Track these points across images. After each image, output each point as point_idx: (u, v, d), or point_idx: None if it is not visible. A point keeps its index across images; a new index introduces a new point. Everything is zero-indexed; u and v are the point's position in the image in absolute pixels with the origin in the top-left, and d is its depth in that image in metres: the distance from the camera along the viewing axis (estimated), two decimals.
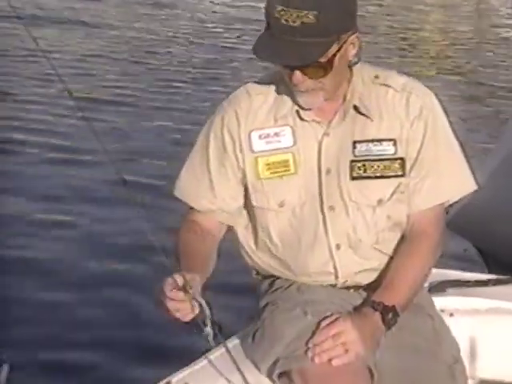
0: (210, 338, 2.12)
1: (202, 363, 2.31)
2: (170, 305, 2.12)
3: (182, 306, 2.12)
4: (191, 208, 2.42)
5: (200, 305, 2.12)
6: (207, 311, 2.12)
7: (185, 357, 2.42)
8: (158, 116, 9.44)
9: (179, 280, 2.11)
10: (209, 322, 2.12)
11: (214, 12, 16.98)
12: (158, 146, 8.13)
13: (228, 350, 2.18)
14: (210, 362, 2.30)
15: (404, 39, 14.66)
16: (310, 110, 2.29)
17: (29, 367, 4.02)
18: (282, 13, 2.15)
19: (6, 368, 2.10)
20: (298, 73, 2.20)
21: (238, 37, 14.41)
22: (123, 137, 8.39)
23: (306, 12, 2.13)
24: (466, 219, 2.68)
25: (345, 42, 2.22)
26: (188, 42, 14.24)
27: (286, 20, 2.15)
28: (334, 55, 2.20)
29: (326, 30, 2.16)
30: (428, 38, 15.68)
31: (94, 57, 12.21)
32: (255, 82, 2.40)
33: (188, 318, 2.13)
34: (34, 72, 10.46)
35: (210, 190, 2.38)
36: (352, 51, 2.26)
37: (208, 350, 2.30)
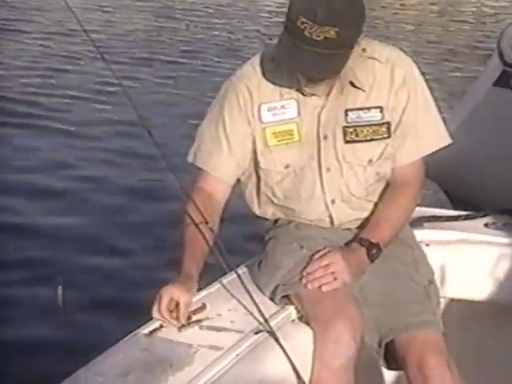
0: None
1: (216, 286, 2.33)
2: (158, 318, 2.11)
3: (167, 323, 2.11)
4: (204, 173, 2.33)
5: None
6: None
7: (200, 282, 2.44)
8: (186, 82, 9.30)
9: (173, 303, 2.08)
10: None
11: None
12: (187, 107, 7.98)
13: (238, 276, 2.22)
14: (223, 285, 2.32)
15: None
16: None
17: (81, 290, 4.01)
18: (306, 25, 2.05)
19: (60, 289, 2.08)
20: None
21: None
22: (152, 94, 8.25)
23: (328, 28, 2.05)
24: (436, 166, 2.66)
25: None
26: (220, 14, 14.03)
27: (310, 33, 2.05)
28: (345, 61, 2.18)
29: (344, 44, 2.11)
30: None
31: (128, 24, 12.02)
32: (260, 58, 2.32)
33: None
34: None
35: (228, 155, 2.31)
36: (355, 47, 2.20)
37: (222, 276, 2.32)
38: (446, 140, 2.42)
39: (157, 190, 5.45)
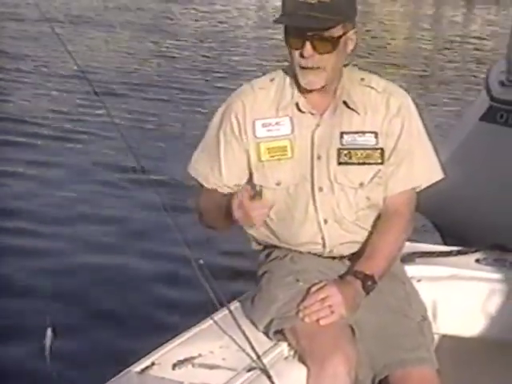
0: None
1: (208, 322, 2.30)
2: (255, 213, 2.13)
3: (262, 211, 2.15)
4: (201, 185, 2.40)
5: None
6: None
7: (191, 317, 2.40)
8: (175, 106, 9.28)
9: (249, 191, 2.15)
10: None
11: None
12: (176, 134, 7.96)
13: (230, 312, 2.19)
14: (215, 321, 2.29)
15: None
16: (311, 92, 2.28)
17: (74, 331, 3.95)
18: None
19: (49, 332, 2.04)
20: (308, 45, 2.21)
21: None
22: (141, 123, 8.21)
23: None
24: (425, 199, 2.65)
25: (348, 32, 2.25)
26: (203, 40, 14.10)
27: None
28: (340, 37, 2.23)
29: (337, 10, 2.18)
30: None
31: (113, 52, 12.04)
32: (258, 80, 2.40)
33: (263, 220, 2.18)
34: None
35: (218, 170, 2.36)
36: (350, 46, 2.29)
37: (213, 312, 2.29)
38: (439, 174, 2.43)
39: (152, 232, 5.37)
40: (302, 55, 2.22)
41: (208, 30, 15.81)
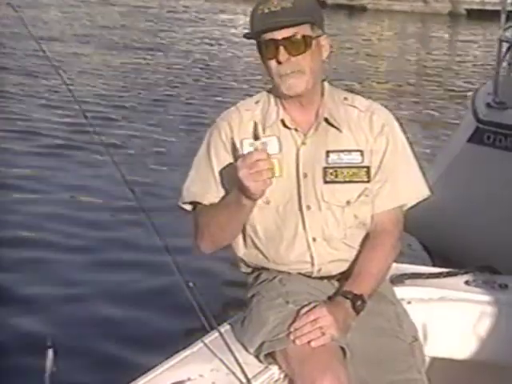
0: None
1: (198, 345, 2.28)
2: (265, 163, 2.12)
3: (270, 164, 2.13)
4: (198, 206, 2.38)
5: None
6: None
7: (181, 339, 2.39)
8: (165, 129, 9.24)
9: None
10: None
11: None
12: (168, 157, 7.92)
13: (221, 334, 2.18)
14: (205, 344, 2.28)
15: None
16: (293, 96, 2.30)
17: (72, 351, 3.87)
18: (264, 6, 2.24)
19: (51, 353, 2.02)
20: (282, 49, 2.24)
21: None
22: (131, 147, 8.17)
23: (285, 0, 2.24)
24: (414, 219, 2.66)
25: (319, 37, 2.29)
26: (196, 62, 14.11)
27: (269, 8, 2.24)
28: (311, 38, 2.26)
29: (301, 12, 2.25)
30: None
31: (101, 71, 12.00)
32: (243, 102, 2.43)
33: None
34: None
35: (214, 184, 2.37)
36: (325, 53, 2.33)
37: (203, 335, 2.28)
38: (425, 192, 2.45)
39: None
40: (278, 61, 2.25)
41: (202, 52, 15.85)
